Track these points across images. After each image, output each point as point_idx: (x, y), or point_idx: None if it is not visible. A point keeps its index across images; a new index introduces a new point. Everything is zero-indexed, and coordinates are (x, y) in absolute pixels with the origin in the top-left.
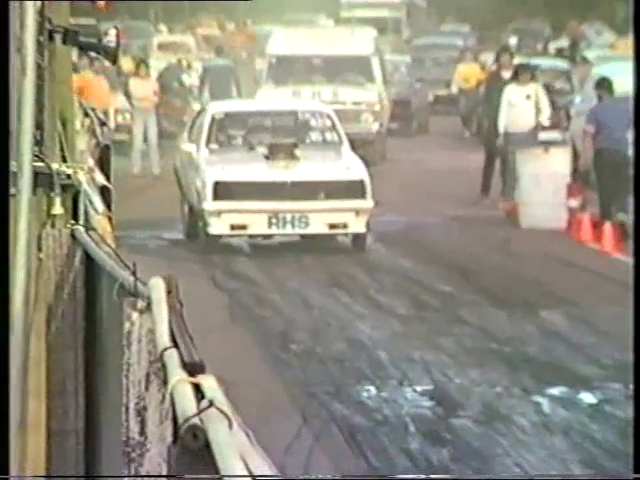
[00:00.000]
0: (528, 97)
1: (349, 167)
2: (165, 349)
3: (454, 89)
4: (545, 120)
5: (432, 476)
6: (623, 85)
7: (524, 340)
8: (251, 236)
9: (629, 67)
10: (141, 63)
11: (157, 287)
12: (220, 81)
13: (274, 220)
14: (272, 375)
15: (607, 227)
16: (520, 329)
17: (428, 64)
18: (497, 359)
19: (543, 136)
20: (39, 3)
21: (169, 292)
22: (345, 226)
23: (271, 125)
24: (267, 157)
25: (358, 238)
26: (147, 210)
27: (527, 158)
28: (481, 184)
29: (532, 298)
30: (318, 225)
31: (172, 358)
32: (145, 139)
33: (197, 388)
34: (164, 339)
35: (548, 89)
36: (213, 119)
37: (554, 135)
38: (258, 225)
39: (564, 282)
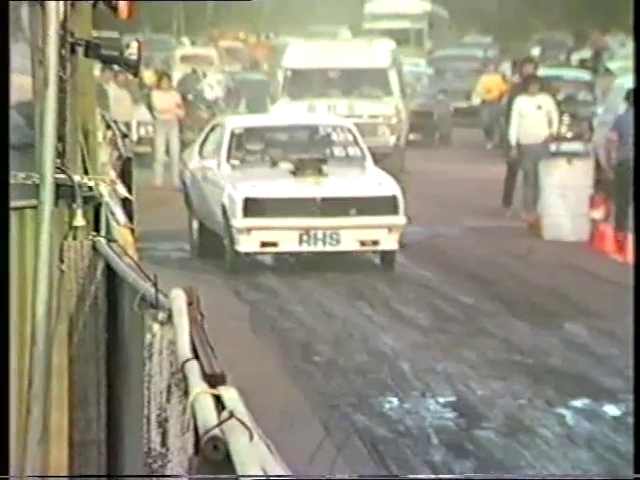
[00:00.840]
0: (539, 107)
1: (380, 183)
2: (186, 360)
3: (475, 100)
4: (561, 131)
5: (432, 476)
6: None
7: (547, 351)
8: (278, 253)
9: None
10: (163, 75)
11: (178, 298)
12: (255, 95)
13: (305, 237)
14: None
15: (629, 238)
16: (543, 340)
17: (449, 75)
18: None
19: (564, 147)
20: (61, 15)
21: (190, 303)
22: (376, 243)
23: (290, 140)
24: (293, 173)
25: (388, 255)
26: (169, 221)
27: (551, 169)
28: (503, 195)
29: (555, 309)
30: (349, 242)
31: (193, 370)
32: (167, 151)
33: (218, 399)
34: (185, 351)
35: (571, 100)
36: (233, 134)
37: (576, 146)
38: (289, 242)
39: (587, 293)
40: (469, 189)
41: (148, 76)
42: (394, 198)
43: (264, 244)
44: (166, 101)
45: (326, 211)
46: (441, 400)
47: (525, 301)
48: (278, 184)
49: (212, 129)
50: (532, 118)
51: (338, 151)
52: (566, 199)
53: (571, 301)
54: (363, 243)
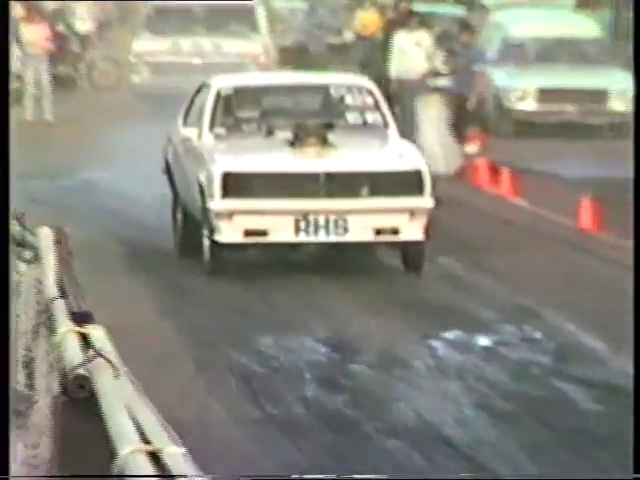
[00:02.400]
0: (418, 43)
1: (401, 154)
2: (53, 299)
3: (348, 36)
4: (440, 66)
5: (432, 477)
6: (520, 31)
7: (421, 287)
8: (267, 245)
9: (526, 14)
10: (32, 8)
11: (46, 237)
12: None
13: (303, 224)
14: None
15: (504, 172)
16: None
17: (324, 11)
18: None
19: (440, 82)
20: None
21: (58, 242)
22: (396, 232)
23: (293, 104)
24: (292, 143)
25: (412, 250)
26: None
27: (426, 105)
28: None
29: (430, 242)
30: (360, 231)
31: (59, 308)
32: (37, 86)
33: (86, 339)
34: (52, 289)
35: (446, 36)
36: (218, 96)
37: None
38: (282, 231)
39: (461, 226)
40: None
41: (16, 8)
42: (418, 174)
43: (249, 233)
44: (35, 34)
45: (331, 191)
46: (317, 336)
47: None
48: (270, 156)
49: (198, 91)
50: (411, 54)
51: (353, 118)
52: (440, 133)
53: (444, 234)
54: (379, 232)
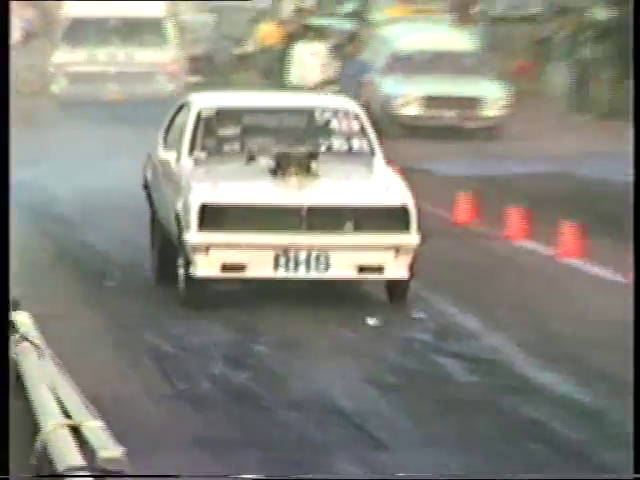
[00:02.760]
0: (314, 54)
1: (387, 187)
2: None
3: (250, 47)
4: (333, 75)
5: (432, 477)
6: (405, 44)
7: None
8: (245, 280)
9: (410, 28)
10: None
11: None
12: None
13: (282, 259)
14: None
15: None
16: None
17: (229, 24)
18: None
19: (331, 89)
20: None
21: None
22: (380, 269)
23: (276, 126)
24: (274, 171)
25: (397, 287)
26: None
27: None
28: None
29: None
30: (342, 267)
31: None
32: None
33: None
34: None
35: (340, 48)
36: (199, 118)
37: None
38: (260, 266)
39: None
40: None
41: None
42: (404, 209)
43: (226, 268)
44: None
45: (313, 225)
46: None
47: None
48: (249, 186)
49: (179, 109)
50: (308, 63)
51: (339, 144)
52: None
53: None
54: (362, 269)
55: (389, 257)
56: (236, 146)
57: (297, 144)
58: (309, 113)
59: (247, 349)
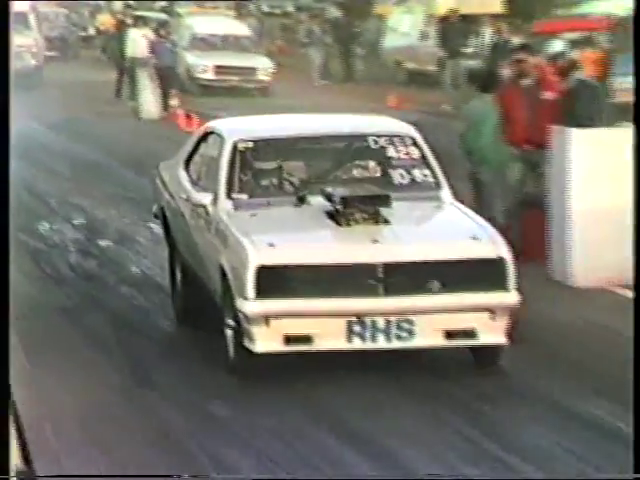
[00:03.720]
0: (143, 36)
1: (475, 235)
2: None
3: (92, 31)
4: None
5: (432, 477)
6: (202, 30)
7: (145, 188)
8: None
9: (205, 19)
10: None
11: None
12: None
13: (357, 328)
14: None
15: (194, 117)
16: (144, 182)
17: (77, 14)
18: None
19: (153, 60)
20: None
21: None
22: (473, 335)
23: (321, 156)
24: (332, 216)
25: (488, 352)
26: None
27: (145, 74)
28: (115, 91)
29: (148, 161)
30: (429, 334)
31: None
32: None
33: None
34: None
35: (158, 32)
36: (235, 151)
37: None
38: (331, 336)
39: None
40: (95, 87)
41: None
42: (500, 262)
43: (290, 340)
44: None
45: (391, 284)
46: (75, 222)
47: (132, 158)
48: (311, 238)
49: (204, 137)
50: (138, 42)
51: (399, 176)
52: (154, 93)
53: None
54: (450, 335)
55: (483, 320)
56: (279, 183)
57: (352, 181)
58: (360, 139)
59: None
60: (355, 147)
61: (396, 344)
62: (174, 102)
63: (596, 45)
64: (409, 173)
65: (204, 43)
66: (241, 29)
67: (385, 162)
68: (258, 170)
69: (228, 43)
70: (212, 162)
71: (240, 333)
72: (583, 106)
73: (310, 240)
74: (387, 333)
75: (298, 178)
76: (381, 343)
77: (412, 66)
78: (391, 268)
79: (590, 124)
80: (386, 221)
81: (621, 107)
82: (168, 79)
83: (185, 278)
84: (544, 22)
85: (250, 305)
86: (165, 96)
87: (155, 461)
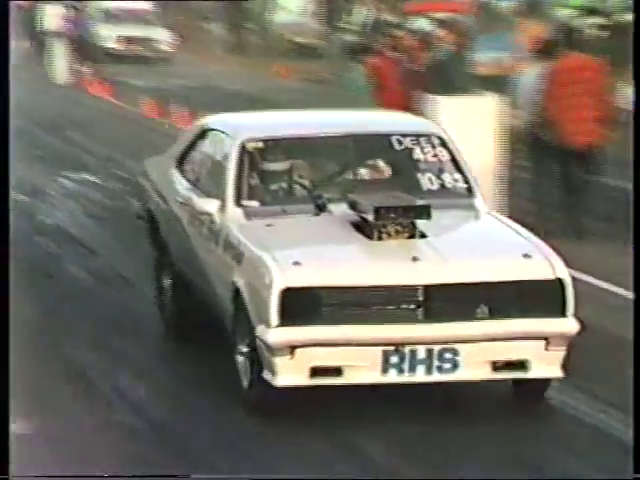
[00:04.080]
0: (58, 10)
1: (527, 252)
2: None
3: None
4: None
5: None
6: (111, 7)
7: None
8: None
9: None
10: None
11: None
12: None
13: (394, 359)
14: None
15: (105, 84)
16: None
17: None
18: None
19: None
20: None
21: None
22: (524, 367)
23: (336, 156)
24: (359, 228)
25: (535, 385)
26: None
27: (60, 44)
28: (25, 57)
29: (58, 121)
30: (475, 365)
31: None
32: None
33: None
34: None
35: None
36: (243, 152)
37: None
38: (364, 368)
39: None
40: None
41: None
42: (557, 284)
43: (317, 372)
44: None
45: (433, 309)
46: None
47: (45, 119)
48: (341, 255)
49: (201, 135)
50: (54, 17)
51: (427, 181)
52: (68, 61)
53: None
54: (500, 367)
55: (536, 350)
56: (289, 187)
57: (373, 186)
58: (384, 139)
59: None
60: (376, 148)
61: (437, 377)
62: (84, 69)
63: (459, 25)
64: (438, 178)
65: (112, 17)
66: (143, 5)
67: (411, 165)
68: (267, 173)
69: (134, 16)
70: (214, 163)
71: (256, 362)
72: (447, 76)
73: (340, 257)
74: (428, 364)
75: (310, 181)
76: (420, 376)
77: (299, 40)
78: (433, 290)
79: (454, 92)
80: (422, 235)
81: (482, 78)
82: (81, 49)
83: (176, 287)
84: (414, 3)
85: (273, 333)
86: (77, 64)
87: None
